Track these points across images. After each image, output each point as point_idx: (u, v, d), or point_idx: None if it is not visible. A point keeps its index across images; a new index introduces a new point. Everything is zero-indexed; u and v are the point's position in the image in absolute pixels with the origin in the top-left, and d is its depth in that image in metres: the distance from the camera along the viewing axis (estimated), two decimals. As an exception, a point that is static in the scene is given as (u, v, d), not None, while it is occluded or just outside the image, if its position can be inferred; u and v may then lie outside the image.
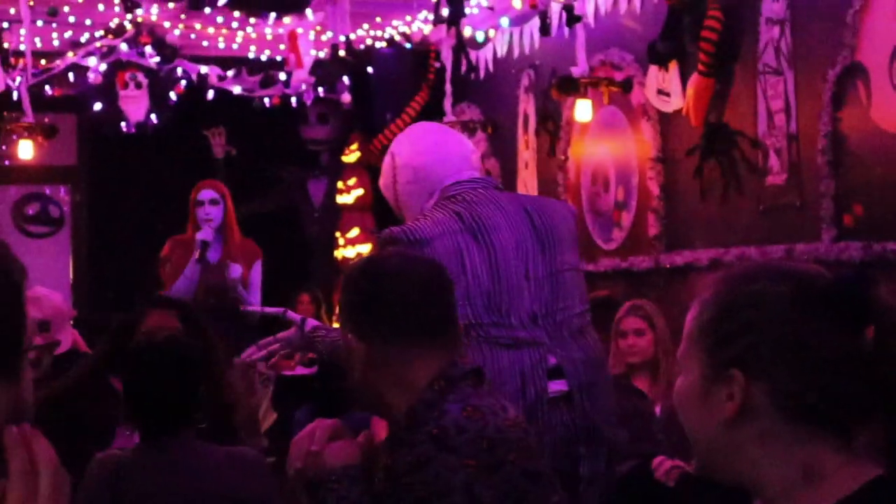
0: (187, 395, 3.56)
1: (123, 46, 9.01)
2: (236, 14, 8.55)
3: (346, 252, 10.09)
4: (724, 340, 1.64)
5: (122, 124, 9.21)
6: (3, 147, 9.87)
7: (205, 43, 9.81)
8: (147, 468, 3.47)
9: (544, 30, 6.90)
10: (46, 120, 8.96)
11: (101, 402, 3.66)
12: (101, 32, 9.12)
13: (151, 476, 3.46)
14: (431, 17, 8.04)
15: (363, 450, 2.63)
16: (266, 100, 9.51)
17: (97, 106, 9.19)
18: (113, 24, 9.05)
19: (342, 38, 7.54)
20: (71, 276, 10.96)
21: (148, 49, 9.05)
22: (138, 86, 9.11)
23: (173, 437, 3.50)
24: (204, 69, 9.35)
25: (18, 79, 8.28)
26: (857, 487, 1.57)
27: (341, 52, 7.69)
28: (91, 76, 9.04)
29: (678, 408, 1.72)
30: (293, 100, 9.60)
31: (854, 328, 1.59)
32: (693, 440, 1.70)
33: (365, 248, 9.75)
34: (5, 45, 7.81)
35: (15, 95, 8.35)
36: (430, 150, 3.81)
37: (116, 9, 8.41)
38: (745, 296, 1.65)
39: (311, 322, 3.79)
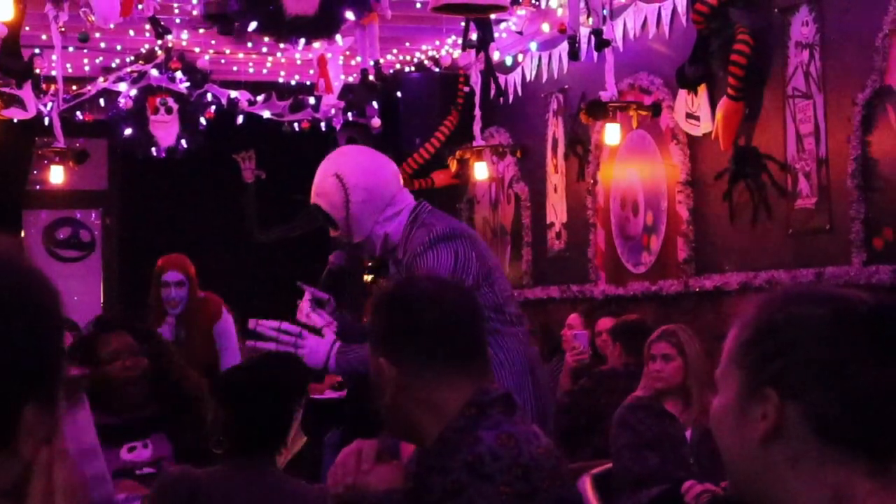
0: (282, 422, 3.58)
1: (154, 72, 9.08)
2: (266, 39, 8.59)
3: (372, 276, 10.11)
4: (762, 360, 1.63)
5: (153, 149, 9.25)
6: (35, 172, 9.95)
7: (235, 68, 9.89)
8: (231, 491, 3.45)
9: (573, 54, 6.89)
10: (77, 145, 9.04)
11: None
12: (132, 58, 9.21)
13: (235, 499, 3.43)
14: (460, 41, 8.06)
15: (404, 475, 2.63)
16: (295, 124, 9.55)
17: (128, 131, 9.23)
18: (143, 49, 9.13)
19: (371, 63, 7.55)
20: (101, 299, 11.01)
21: (178, 74, 9.11)
22: (168, 111, 9.15)
23: (262, 462, 3.50)
24: (234, 94, 9.40)
25: (50, 104, 8.34)
26: (888, 513, 1.56)
27: (370, 77, 7.70)
28: (122, 101, 9.11)
29: (713, 427, 1.72)
30: (322, 124, 9.64)
31: (893, 354, 1.58)
32: (726, 460, 1.70)
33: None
34: (37, 71, 7.86)
35: (46, 121, 8.41)
36: (375, 170, 4.17)
37: (147, 34, 8.46)
38: (784, 317, 1.65)
39: None
